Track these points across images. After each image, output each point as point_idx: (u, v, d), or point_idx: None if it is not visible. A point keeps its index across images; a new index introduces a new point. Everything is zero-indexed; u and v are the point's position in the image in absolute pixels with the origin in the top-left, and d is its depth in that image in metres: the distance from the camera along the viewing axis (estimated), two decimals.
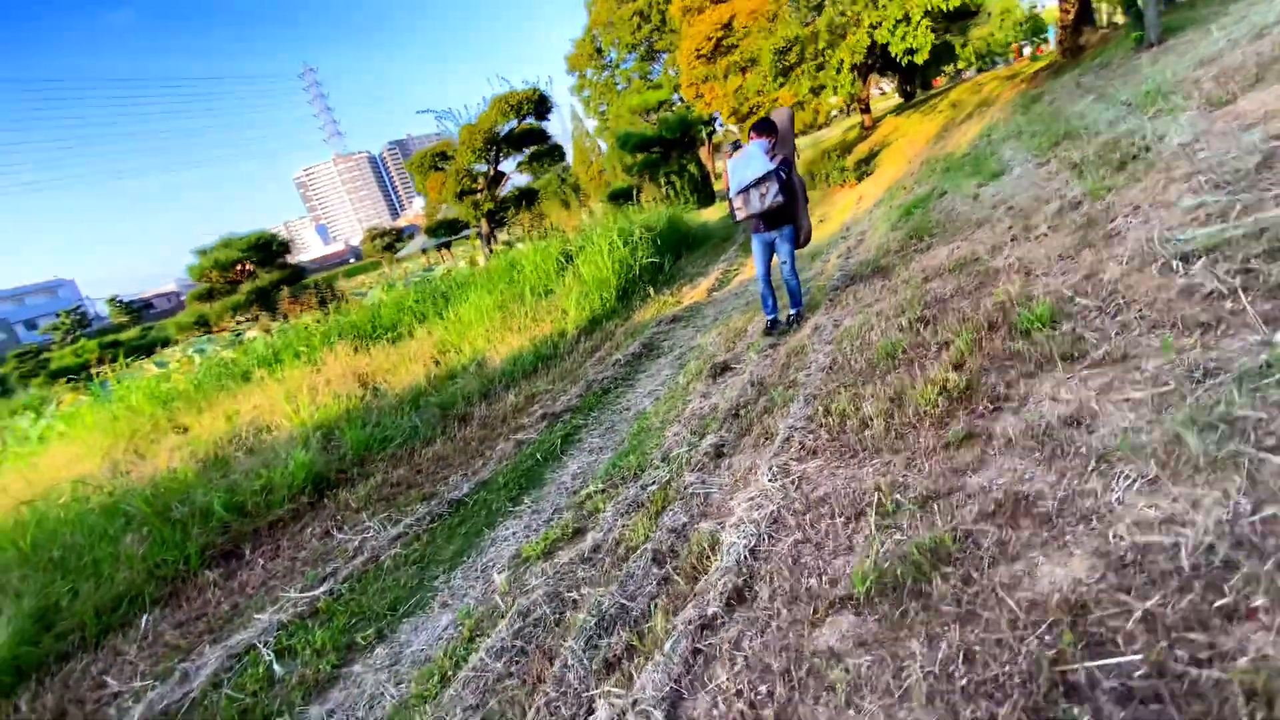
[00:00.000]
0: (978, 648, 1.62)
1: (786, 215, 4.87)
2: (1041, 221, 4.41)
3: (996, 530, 1.98)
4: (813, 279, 7.76)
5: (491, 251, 14.42)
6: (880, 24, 11.76)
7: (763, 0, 17.99)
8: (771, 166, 4.64)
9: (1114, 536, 1.73)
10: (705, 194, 23.68)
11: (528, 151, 17.23)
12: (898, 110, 24.44)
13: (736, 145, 5.05)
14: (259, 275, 12.70)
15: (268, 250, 12.87)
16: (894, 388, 3.30)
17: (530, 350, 7.51)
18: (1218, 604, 1.41)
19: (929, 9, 10.78)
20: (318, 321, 10.19)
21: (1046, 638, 1.53)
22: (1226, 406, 1.91)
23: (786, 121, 4.95)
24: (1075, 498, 1.96)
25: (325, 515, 4.67)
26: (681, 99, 25.89)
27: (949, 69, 14.28)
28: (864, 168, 16.29)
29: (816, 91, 13.86)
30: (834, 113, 39.07)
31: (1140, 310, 2.67)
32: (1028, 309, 3.22)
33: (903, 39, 11.38)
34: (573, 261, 10.57)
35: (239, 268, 12.26)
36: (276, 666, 3.15)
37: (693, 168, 23.76)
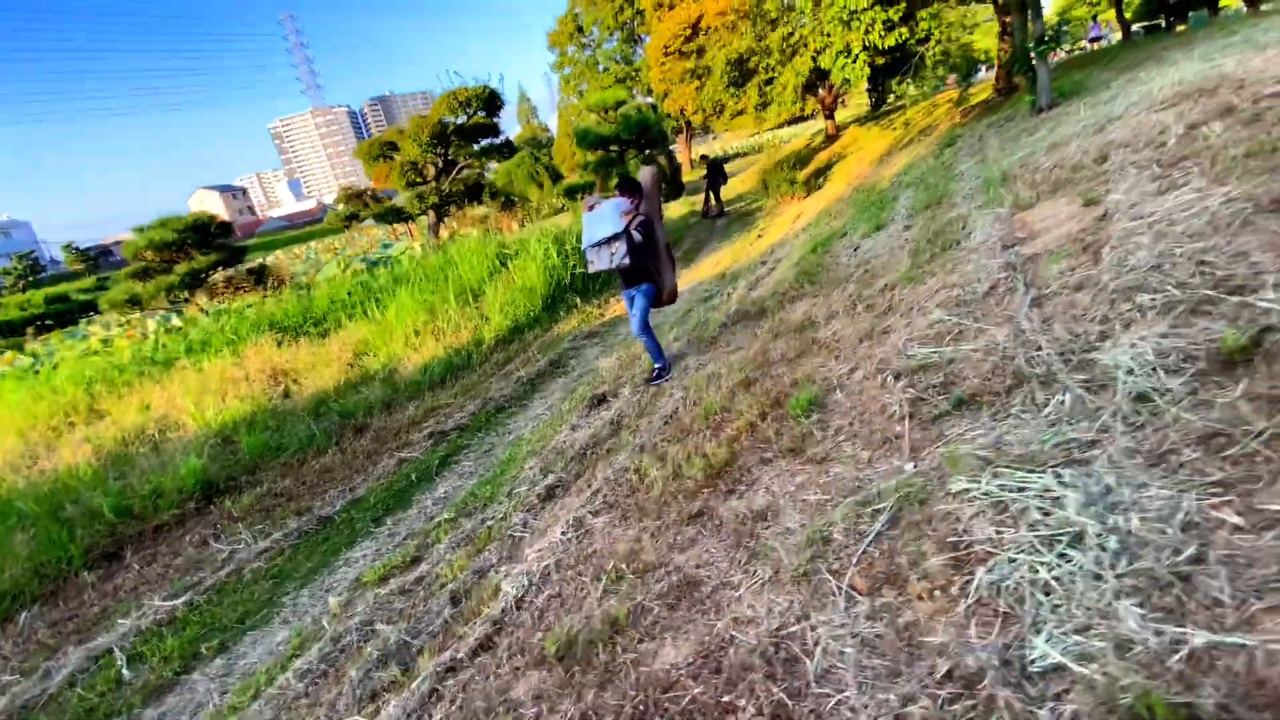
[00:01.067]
0: (599, 710, 2.17)
1: (643, 273, 5.29)
2: (866, 297, 4.96)
3: (659, 609, 2.52)
4: (719, 305, 8.29)
5: (437, 243, 14.68)
6: (824, 50, 12.20)
7: (729, 1, 18.23)
8: (620, 228, 5.01)
9: (716, 630, 2.28)
10: (674, 186, 24.00)
11: (480, 145, 17.44)
12: (863, 120, 24.95)
13: (596, 201, 5.41)
14: (195, 257, 12.80)
15: (205, 232, 12.95)
16: (687, 451, 3.83)
17: (443, 360, 7.91)
18: (726, 699, 1.97)
19: (867, 44, 11.26)
20: (250, 307, 10.40)
21: (631, 708, 2.08)
22: (829, 527, 2.46)
23: (650, 181, 5.36)
24: (723, 588, 2.51)
25: (208, 523, 5.10)
26: (651, 91, 26.02)
27: (919, 83, 14.65)
28: (814, 182, 16.84)
29: (764, 105, 14.29)
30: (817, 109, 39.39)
31: (853, 418, 3.23)
32: (799, 394, 3.76)
33: (842, 69, 11.87)
34: (507, 266, 10.91)
35: (176, 248, 12.35)
36: (126, 670, 3.61)
37: (662, 159, 24.05)
